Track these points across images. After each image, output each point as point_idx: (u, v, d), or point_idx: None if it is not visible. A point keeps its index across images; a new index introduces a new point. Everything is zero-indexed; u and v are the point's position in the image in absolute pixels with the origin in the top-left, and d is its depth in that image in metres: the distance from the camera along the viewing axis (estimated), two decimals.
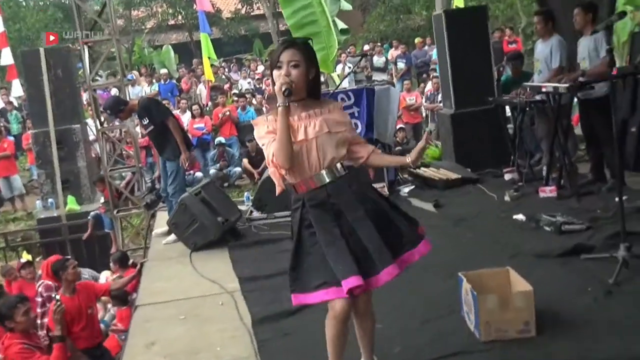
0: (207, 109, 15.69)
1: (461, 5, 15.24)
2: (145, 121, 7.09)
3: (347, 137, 2.90)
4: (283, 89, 2.70)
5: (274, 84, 2.80)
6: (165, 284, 5.61)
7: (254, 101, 15.26)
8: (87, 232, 11.11)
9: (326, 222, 2.84)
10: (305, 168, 2.82)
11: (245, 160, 12.54)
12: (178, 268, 6.04)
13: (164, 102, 14.28)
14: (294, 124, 2.80)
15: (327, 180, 2.85)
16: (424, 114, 14.24)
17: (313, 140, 2.80)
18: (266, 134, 2.79)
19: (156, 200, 7.88)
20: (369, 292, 2.94)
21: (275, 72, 2.78)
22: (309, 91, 2.85)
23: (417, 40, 18.08)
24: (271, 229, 6.82)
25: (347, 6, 14.39)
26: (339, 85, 8.63)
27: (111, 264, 8.28)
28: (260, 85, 18.27)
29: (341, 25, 11.52)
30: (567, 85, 6.00)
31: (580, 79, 6.09)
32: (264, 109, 14.86)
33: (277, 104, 2.73)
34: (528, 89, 6.81)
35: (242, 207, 7.66)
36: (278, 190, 2.90)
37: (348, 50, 17.94)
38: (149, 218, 9.03)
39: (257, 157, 12.43)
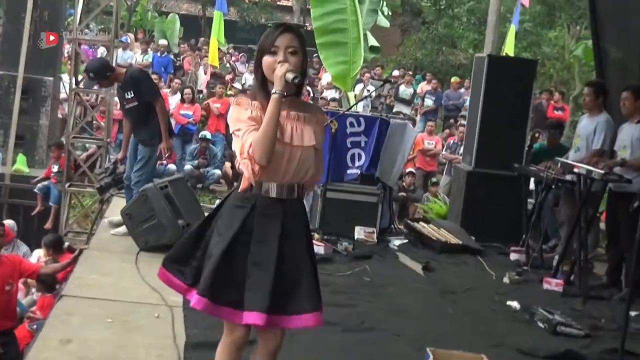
0: (201, 96, 15.79)
1: (511, 53, 15.54)
2: (130, 95, 7.16)
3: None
4: (292, 76, 2.77)
5: (258, 72, 2.88)
6: (101, 278, 5.66)
7: None
8: (37, 208, 11.14)
9: (268, 240, 2.88)
10: (277, 172, 2.86)
11: (227, 164, 12.60)
12: (119, 265, 6.09)
13: (153, 76, 14.49)
14: (281, 120, 2.84)
15: (290, 196, 2.92)
16: (443, 162, 14.40)
17: (298, 148, 2.87)
18: (247, 119, 2.81)
19: (111, 184, 7.87)
20: (284, 330, 2.98)
21: (267, 58, 2.84)
22: (297, 87, 2.91)
23: (453, 79, 18.34)
24: None
25: (384, 22, 14.70)
26: (352, 106, 8.76)
27: (42, 248, 8.29)
28: None
29: (373, 41, 11.78)
30: (602, 171, 6.14)
31: (618, 168, 6.23)
32: None
33: (273, 91, 2.77)
34: (560, 164, 6.94)
35: None
36: (244, 185, 2.90)
37: (374, 71, 18.17)
38: (101, 202, 9.08)
39: None
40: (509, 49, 16.74)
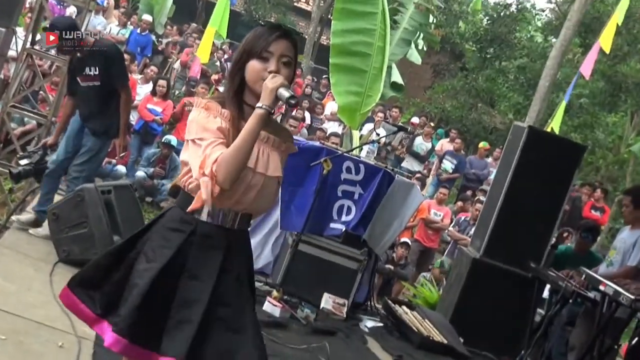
0: (178, 92, 15.85)
1: (557, 129, 15.72)
2: (92, 71, 7.19)
3: None
4: (287, 95, 2.86)
5: (237, 75, 2.97)
6: (4, 284, 5.63)
7: None
8: None
9: (203, 275, 2.92)
10: (230, 198, 2.91)
11: None
12: (30, 273, 6.07)
13: (125, 56, 14.56)
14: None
15: (238, 226, 3.02)
16: (447, 240, 14.45)
17: (261, 177, 2.97)
18: (216, 129, 2.87)
19: (30, 173, 7.81)
20: None
21: (255, 64, 2.93)
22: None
23: (482, 144, 18.49)
24: None
25: (416, 58, 14.87)
26: (355, 148, 8.84)
27: None
28: None
29: (397, 77, 11.90)
30: (632, 296, 6.20)
31: None
32: None
33: (259, 104, 2.85)
34: (584, 276, 7.01)
35: None
36: (195, 205, 2.91)
37: (390, 112, 18.31)
38: (27, 191, 9.06)
39: None
40: (555, 124, 16.91)
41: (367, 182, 7.89)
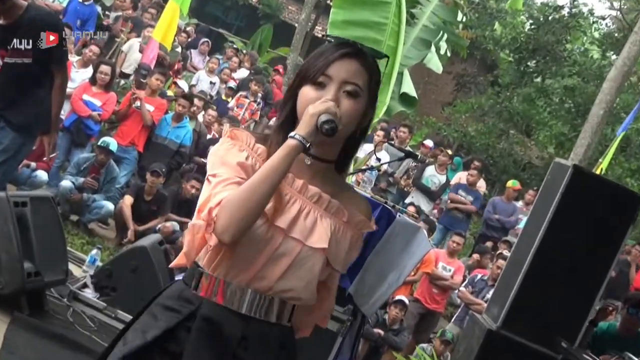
0: (123, 83, 15.80)
1: (605, 168, 15.76)
2: (24, 44, 7.14)
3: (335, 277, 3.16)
4: (324, 119, 2.76)
5: (286, 105, 2.94)
6: None
7: (201, 115, 15.40)
8: None
9: None
10: (245, 266, 2.84)
11: (127, 199, 12.53)
12: None
13: None
14: (285, 190, 2.86)
15: (257, 315, 2.89)
16: (456, 304, 14.44)
17: (296, 244, 2.86)
18: (236, 164, 2.82)
19: None
20: None
21: (309, 90, 2.87)
22: (342, 153, 3.00)
23: (511, 183, 18.48)
24: (99, 331, 6.95)
25: (436, 65, 14.80)
26: (348, 175, 8.84)
27: None
28: (227, 100, 18.57)
29: (409, 87, 11.85)
30: None
31: None
32: (211, 133, 15.03)
33: (292, 133, 2.77)
34: None
35: (74, 269, 7.74)
36: (179, 261, 2.95)
37: (398, 130, 18.27)
38: None
39: (150, 207, 12.46)
40: (606, 164, 17.01)
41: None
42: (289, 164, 2.74)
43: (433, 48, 13.11)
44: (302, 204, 2.87)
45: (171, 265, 2.99)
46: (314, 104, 2.77)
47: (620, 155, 18.39)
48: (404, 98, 11.86)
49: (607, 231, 8.37)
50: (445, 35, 13.58)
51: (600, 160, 16.84)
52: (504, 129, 24.40)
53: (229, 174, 2.79)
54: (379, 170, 15.67)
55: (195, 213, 2.79)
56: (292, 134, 2.75)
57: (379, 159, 14.99)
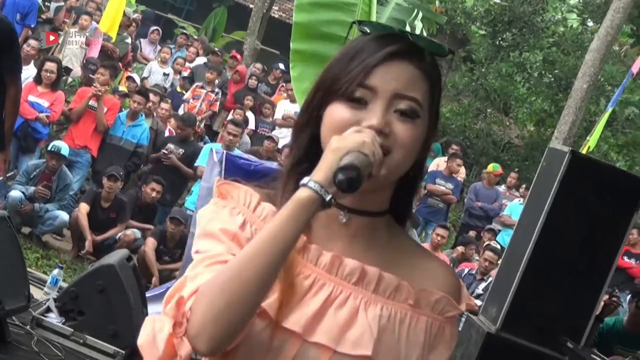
0: (72, 81, 15.67)
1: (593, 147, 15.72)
2: None
3: None
4: (344, 162, 1.91)
5: (303, 133, 2.14)
6: None
7: (158, 109, 15.30)
8: None
9: None
10: None
11: (83, 208, 12.41)
12: None
13: None
14: (304, 270, 2.07)
15: None
16: None
17: (321, 353, 2.03)
18: (224, 235, 2.08)
19: None
20: None
21: (340, 109, 2.06)
22: (396, 197, 2.20)
23: (492, 167, 18.46)
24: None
25: None
26: None
27: None
28: (182, 91, 18.56)
29: None
30: None
31: None
32: (166, 128, 14.93)
33: (306, 180, 1.93)
34: None
35: (35, 291, 7.62)
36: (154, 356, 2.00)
37: None
38: None
39: (108, 215, 12.34)
40: (594, 142, 16.97)
41: None
42: (298, 229, 1.91)
43: (408, 28, 13.05)
44: (334, 290, 2.05)
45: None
46: (343, 134, 1.97)
47: (607, 130, 18.31)
48: None
49: (610, 221, 8.32)
50: (421, 14, 13.53)
51: (588, 138, 16.81)
52: (481, 108, 24.41)
53: (216, 249, 2.04)
54: None
55: (162, 304, 1.99)
56: (304, 180, 1.91)
57: None
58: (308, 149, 2.11)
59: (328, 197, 1.89)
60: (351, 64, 2.06)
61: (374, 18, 10.83)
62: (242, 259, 1.90)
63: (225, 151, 8.69)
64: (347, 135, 1.95)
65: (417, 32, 15.64)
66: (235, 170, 8.08)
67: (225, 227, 2.07)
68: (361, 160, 1.89)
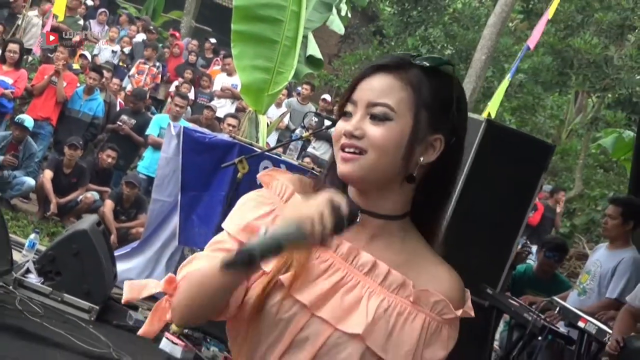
0: (32, 59, 15.46)
1: (494, 114, 15.78)
2: None
3: None
4: (335, 202, 1.92)
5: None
6: None
7: (110, 84, 15.21)
8: None
9: None
10: (256, 348, 2.11)
11: (47, 173, 12.29)
12: None
13: None
14: (325, 256, 2.10)
15: None
16: None
17: (324, 328, 2.06)
18: (241, 224, 2.12)
19: None
20: None
21: (338, 124, 2.14)
22: (420, 204, 2.20)
23: None
24: (47, 316, 6.80)
25: (338, 26, 14.65)
26: (280, 146, 8.69)
27: None
28: (127, 64, 18.48)
29: (314, 49, 11.69)
30: (619, 338, 6.19)
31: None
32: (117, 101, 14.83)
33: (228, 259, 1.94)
34: (559, 309, 7.00)
35: (15, 255, 7.55)
36: (147, 329, 2.21)
37: (302, 88, 18.02)
38: None
39: (70, 180, 12.20)
40: (493, 108, 16.99)
41: None
42: (222, 285, 1.98)
43: (334, 10, 12.95)
44: (346, 276, 2.08)
45: (140, 333, 2.20)
46: (303, 202, 1.98)
47: (503, 96, 18.44)
48: (311, 60, 11.72)
49: (522, 179, 8.34)
50: None
51: (488, 104, 16.85)
52: None
53: (226, 236, 2.13)
54: (308, 140, 15.44)
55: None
56: (227, 257, 1.90)
57: (304, 126, 14.88)
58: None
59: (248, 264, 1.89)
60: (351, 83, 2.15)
61: (304, 3, 10.73)
62: (207, 271, 2.00)
63: (182, 126, 8.55)
64: (303, 206, 1.93)
65: (343, 13, 15.68)
66: (190, 143, 7.96)
67: (245, 216, 2.11)
68: (290, 240, 1.87)
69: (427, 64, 2.12)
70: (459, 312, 2.15)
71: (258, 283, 2.07)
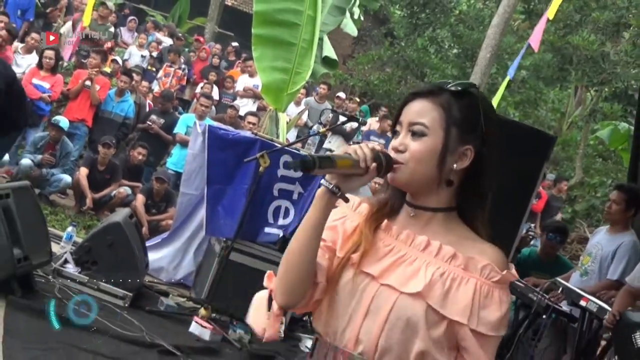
0: (67, 64, 15.44)
1: (496, 106, 15.76)
2: None
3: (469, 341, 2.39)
4: (367, 155, 2.37)
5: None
6: None
7: (140, 87, 15.19)
8: None
9: None
10: (336, 323, 2.48)
11: (83, 171, 12.30)
12: None
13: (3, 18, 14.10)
14: (387, 241, 2.47)
15: None
16: None
17: (391, 293, 2.40)
18: (326, 227, 2.46)
19: None
20: None
21: (393, 142, 2.48)
22: (462, 202, 2.50)
23: None
24: None
25: (351, 29, 14.65)
26: (299, 141, 8.68)
27: None
28: (155, 68, 18.39)
29: (329, 51, 11.72)
30: (616, 312, 6.19)
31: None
32: (146, 102, 14.80)
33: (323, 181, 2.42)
34: (562, 289, 6.99)
35: (54, 247, 7.57)
36: (257, 328, 2.63)
37: (320, 87, 17.98)
38: None
39: (104, 176, 12.21)
40: (496, 103, 17.01)
41: (308, 179, 7.71)
42: (322, 214, 2.38)
43: (348, 14, 12.96)
44: (406, 253, 2.41)
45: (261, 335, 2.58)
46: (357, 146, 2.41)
47: (505, 91, 18.37)
48: (326, 61, 11.75)
49: (526, 169, 8.29)
50: (357, 1, 13.50)
51: (493, 98, 16.81)
52: (402, 76, 24.38)
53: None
54: (325, 135, 15.47)
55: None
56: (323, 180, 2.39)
57: (309, 119, 14.86)
58: None
59: (330, 187, 2.36)
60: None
61: (319, 6, 10.74)
62: (292, 239, 2.44)
63: (207, 124, 8.56)
64: (362, 147, 2.39)
65: (356, 16, 15.69)
66: (215, 140, 7.96)
67: (329, 221, 2.45)
68: (339, 157, 2.34)
69: (454, 89, 2.44)
70: (504, 272, 2.36)
71: (336, 267, 2.47)
